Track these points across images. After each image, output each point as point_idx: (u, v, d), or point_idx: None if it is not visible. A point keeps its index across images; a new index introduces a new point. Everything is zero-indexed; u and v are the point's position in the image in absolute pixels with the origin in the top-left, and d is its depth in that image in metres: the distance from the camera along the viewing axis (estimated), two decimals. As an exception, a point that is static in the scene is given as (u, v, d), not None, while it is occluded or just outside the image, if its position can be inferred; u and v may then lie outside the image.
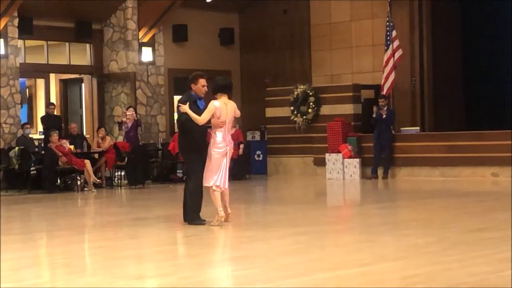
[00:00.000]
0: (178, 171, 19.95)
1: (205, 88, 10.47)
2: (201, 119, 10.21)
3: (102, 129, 18.76)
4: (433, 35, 20.18)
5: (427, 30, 20.10)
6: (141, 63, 20.41)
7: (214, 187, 10.36)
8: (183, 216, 10.61)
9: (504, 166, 17.30)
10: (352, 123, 19.27)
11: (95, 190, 17.05)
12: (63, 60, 20.36)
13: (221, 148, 10.33)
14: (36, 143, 18.17)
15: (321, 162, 19.53)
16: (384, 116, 18.41)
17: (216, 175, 10.33)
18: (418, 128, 19.43)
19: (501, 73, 20.26)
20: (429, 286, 6.35)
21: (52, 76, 21.16)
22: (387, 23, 19.09)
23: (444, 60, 20.32)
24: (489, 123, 18.80)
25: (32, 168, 17.18)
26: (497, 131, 17.63)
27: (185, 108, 10.23)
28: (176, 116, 10.87)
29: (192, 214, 10.51)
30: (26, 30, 18.64)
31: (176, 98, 22.13)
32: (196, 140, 10.39)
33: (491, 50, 20.40)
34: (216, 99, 10.41)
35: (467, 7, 20.70)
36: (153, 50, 20.68)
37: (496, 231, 9.36)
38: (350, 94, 19.47)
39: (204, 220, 10.44)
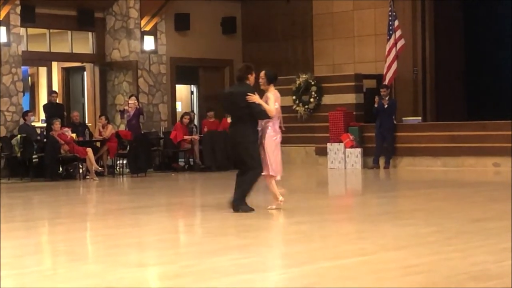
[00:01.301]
0: (180, 159, 19.98)
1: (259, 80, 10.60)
2: (273, 111, 10.32)
3: (103, 117, 18.76)
4: (435, 25, 20.15)
5: (429, 20, 20.07)
6: (143, 51, 20.40)
7: (278, 177, 10.52)
8: (236, 202, 10.46)
9: (506, 156, 17.29)
10: (354, 113, 19.26)
11: (97, 179, 17.07)
12: (65, 49, 20.36)
13: (278, 138, 10.55)
14: (38, 131, 18.18)
15: (322, 152, 19.53)
16: (386, 106, 18.39)
17: (280, 164, 10.54)
18: (420, 118, 19.42)
19: (503, 63, 20.24)
20: (431, 276, 6.36)
21: (55, 65, 21.18)
22: (389, 13, 19.06)
23: (446, 50, 20.30)
24: (491, 113, 18.77)
25: (34, 156, 17.18)
26: (499, 121, 17.62)
27: (258, 98, 10.30)
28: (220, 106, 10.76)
29: (243, 201, 10.47)
30: (28, 18, 18.63)
31: (178, 86, 22.24)
32: (258, 130, 10.51)
33: (493, 40, 20.38)
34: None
35: (470, -3, 20.69)
36: (155, 39, 20.66)
37: (498, 221, 9.36)
38: (352, 83, 19.44)
39: (253, 209, 10.44)
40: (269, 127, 10.50)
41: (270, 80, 10.60)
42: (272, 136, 10.50)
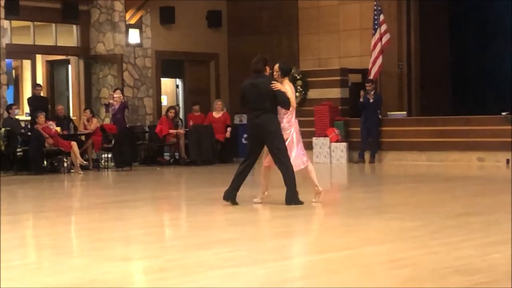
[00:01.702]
0: (165, 153, 19.95)
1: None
2: (294, 101, 10.45)
3: (87, 110, 18.70)
4: (420, 19, 20.18)
5: (414, 14, 20.11)
6: (128, 45, 20.34)
7: (309, 166, 10.71)
8: (290, 197, 10.44)
9: (490, 151, 17.38)
10: (340, 107, 19.29)
11: (82, 172, 17.03)
12: (49, 41, 20.26)
13: (292, 130, 10.56)
14: (23, 124, 18.10)
15: (308, 146, 19.46)
16: (371, 101, 18.42)
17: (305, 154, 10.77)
18: (405, 112, 19.47)
19: (488, 58, 20.31)
20: (415, 270, 6.38)
21: (39, 57, 21.10)
22: (375, 7, 19.08)
23: (431, 44, 20.34)
24: (475, 108, 18.86)
25: (18, 150, 17.12)
26: (483, 116, 17.69)
27: (282, 86, 10.33)
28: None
29: (295, 193, 10.47)
30: (12, 11, 18.53)
31: (164, 80, 22.18)
32: None
33: (479, 35, 20.43)
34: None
35: (455, -9, 20.72)
36: (140, 32, 20.60)
37: (482, 216, 9.41)
38: (338, 78, 19.46)
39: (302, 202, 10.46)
40: (284, 120, 10.49)
41: (284, 73, 10.64)
42: (286, 129, 10.48)
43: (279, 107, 10.45)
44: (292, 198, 10.41)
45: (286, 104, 10.37)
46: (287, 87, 10.47)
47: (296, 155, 10.62)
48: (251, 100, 10.45)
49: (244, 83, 10.75)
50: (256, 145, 10.61)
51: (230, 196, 10.57)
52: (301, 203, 10.43)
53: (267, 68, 10.55)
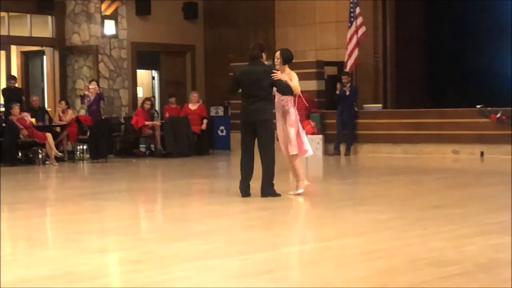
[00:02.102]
0: (141, 145, 19.90)
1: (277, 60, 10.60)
2: (299, 88, 10.41)
3: (63, 102, 18.61)
4: (396, 12, 20.25)
5: (390, 7, 20.17)
6: (103, 36, 20.26)
7: (307, 154, 10.73)
8: (265, 188, 10.43)
9: (464, 144, 17.49)
10: (316, 100, 19.32)
11: (57, 164, 16.95)
12: (24, 32, 20.14)
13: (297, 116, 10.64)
14: (-3, 115, 17.99)
15: (284, 138, 19.54)
16: (347, 93, 18.46)
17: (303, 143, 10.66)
18: (380, 105, 19.55)
19: (463, 51, 20.41)
20: (390, 261, 6.42)
21: (13, 48, 20.95)
22: (351, 0, 19.11)
23: (407, 37, 20.42)
24: (450, 101, 18.97)
25: (-8, 141, 17.01)
26: (458, 108, 17.79)
27: (282, 75, 10.31)
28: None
29: (272, 186, 10.45)
30: (-14, 1, 18.41)
31: (139, 72, 22.12)
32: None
33: (454, 28, 20.53)
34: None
35: (431, -15, 20.81)
36: (116, 23, 20.51)
37: (457, 208, 9.47)
38: (314, 70, 19.48)
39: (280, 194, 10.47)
40: (291, 107, 10.52)
41: (285, 60, 10.58)
42: (296, 115, 10.55)
43: (277, 95, 10.44)
44: (268, 191, 10.41)
45: (287, 91, 10.34)
46: (292, 75, 10.44)
47: (307, 142, 10.69)
48: (247, 87, 10.40)
49: (240, 69, 10.72)
50: (247, 133, 10.50)
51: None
52: (277, 195, 10.44)
53: (264, 55, 10.49)
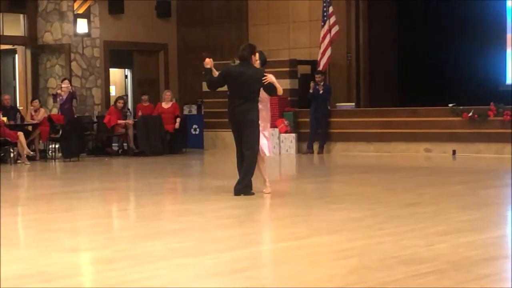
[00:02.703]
0: (113, 144, 19.82)
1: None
2: (281, 90, 10.58)
3: (36, 100, 18.50)
4: (369, 11, 20.33)
5: (363, 7, 20.25)
6: (76, 34, 20.16)
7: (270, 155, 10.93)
8: (239, 187, 10.48)
9: (437, 142, 17.59)
10: (289, 98, 19.34)
11: (29, 163, 16.84)
12: (-4, 31, 20.00)
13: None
14: (-32, 114, 17.83)
15: (257, 137, 19.55)
16: (321, 92, 18.50)
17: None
18: (353, 103, 19.61)
19: (434, 51, 20.53)
20: (363, 259, 6.44)
21: (-15, 47, 20.79)
22: (324, -1, 19.15)
23: (379, 36, 20.50)
24: (423, 99, 19.05)
25: (-37, 140, 16.87)
26: (430, 107, 17.89)
27: (273, 78, 10.43)
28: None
29: (247, 185, 10.52)
30: (-42, -1, 18.24)
31: (112, 70, 22.03)
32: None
33: (426, 27, 20.64)
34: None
35: (403, -16, 20.90)
36: (89, 22, 20.42)
37: (429, 206, 9.52)
38: (287, 69, 19.49)
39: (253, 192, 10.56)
40: (267, 107, 10.73)
41: (263, 62, 10.78)
42: (269, 114, 10.78)
43: (262, 94, 10.57)
44: (242, 190, 10.43)
45: (272, 92, 10.53)
46: (271, 75, 10.54)
47: (265, 143, 10.74)
48: (236, 88, 10.48)
49: (229, 68, 10.76)
50: (238, 132, 10.59)
51: (244, 191, 10.45)
52: (251, 194, 10.46)
53: (253, 57, 10.55)
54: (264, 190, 10.64)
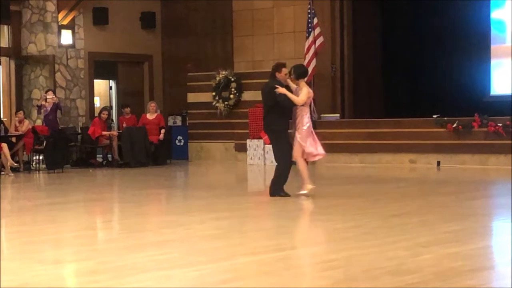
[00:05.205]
0: (98, 155, 19.76)
1: (287, 76, 11.45)
2: (300, 100, 11.19)
3: (20, 112, 18.45)
4: (353, 23, 20.39)
5: (347, 18, 20.30)
6: (60, 46, 20.12)
7: (317, 158, 11.74)
8: (273, 190, 11.51)
9: (421, 153, 17.62)
10: (273, 109, 19.31)
11: (12, 174, 16.77)
12: (-20, 42, 19.92)
13: (310, 125, 11.53)
14: (-49, 125, 17.74)
15: (242, 148, 19.57)
16: (305, 103, 18.50)
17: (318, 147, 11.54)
18: (338, 115, 19.62)
19: (419, 62, 20.61)
20: (347, 271, 6.43)
21: (-31, 58, 20.71)
22: (309, 10, 19.18)
23: (364, 48, 20.56)
24: (407, 110, 19.12)
25: None
26: (414, 118, 17.93)
27: (284, 90, 11.17)
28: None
29: (280, 187, 11.51)
30: None
31: (97, 81, 21.99)
32: (290, 120, 11.43)
33: (410, 39, 20.71)
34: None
35: (388, -4, 20.99)
36: (73, 33, 20.39)
37: (414, 217, 9.53)
38: (272, 80, 19.46)
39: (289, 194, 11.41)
40: (308, 115, 11.37)
41: (298, 76, 11.42)
42: (307, 123, 11.36)
43: (306, 103, 11.29)
44: (276, 192, 11.39)
45: (285, 103, 11.17)
46: (306, 88, 11.26)
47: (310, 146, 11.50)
48: (262, 101, 11.64)
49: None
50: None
51: (279, 192, 11.46)
52: (287, 195, 11.39)
53: (277, 74, 11.38)
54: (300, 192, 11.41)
